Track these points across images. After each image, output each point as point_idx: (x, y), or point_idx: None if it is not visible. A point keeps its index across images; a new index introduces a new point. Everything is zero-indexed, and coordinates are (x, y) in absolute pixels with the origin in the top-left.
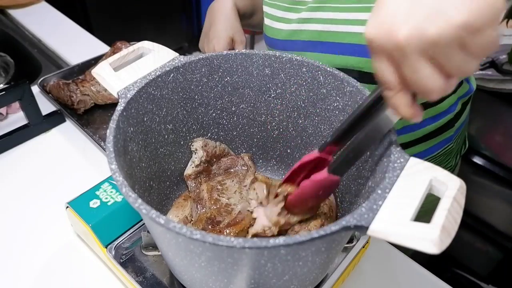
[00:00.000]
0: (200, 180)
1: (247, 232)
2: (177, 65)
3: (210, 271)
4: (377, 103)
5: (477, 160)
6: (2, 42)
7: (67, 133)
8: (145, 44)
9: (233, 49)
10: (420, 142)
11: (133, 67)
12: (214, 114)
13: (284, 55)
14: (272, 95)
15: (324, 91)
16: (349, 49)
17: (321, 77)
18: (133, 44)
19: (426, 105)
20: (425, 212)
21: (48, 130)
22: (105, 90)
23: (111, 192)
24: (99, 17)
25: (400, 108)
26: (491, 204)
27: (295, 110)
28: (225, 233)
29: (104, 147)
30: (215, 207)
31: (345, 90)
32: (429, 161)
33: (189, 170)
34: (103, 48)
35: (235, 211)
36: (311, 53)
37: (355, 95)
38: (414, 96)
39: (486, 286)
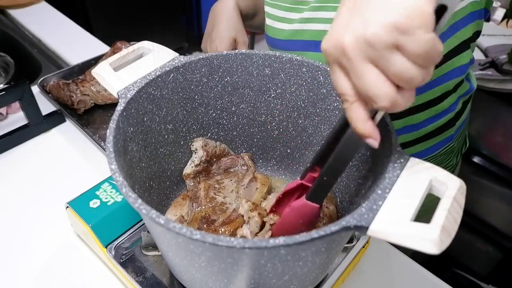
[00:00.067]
0: (198, 179)
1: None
2: (177, 65)
3: (210, 271)
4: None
5: (477, 160)
6: (2, 42)
7: (67, 133)
8: (145, 44)
9: (235, 49)
10: (421, 141)
11: (133, 67)
12: (214, 114)
13: (284, 55)
14: (272, 95)
15: (324, 91)
16: None
17: (321, 77)
18: (133, 44)
19: (427, 105)
20: (425, 211)
21: (48, 130)
22: (105, 90)
23: (111, 192)
24: (99, 17)
25: (354, 123)
26: (491, 204)
27: (295, 110)
28: (220, 231)
29: (104, 147)
30: (210, 206)
31: None
32: (430, 160)
33: (188, 169)
34: (103, 48)
35: (229, 209)
36: (313, 52)
37: None
38: (373, 115)
39: (486, 286)
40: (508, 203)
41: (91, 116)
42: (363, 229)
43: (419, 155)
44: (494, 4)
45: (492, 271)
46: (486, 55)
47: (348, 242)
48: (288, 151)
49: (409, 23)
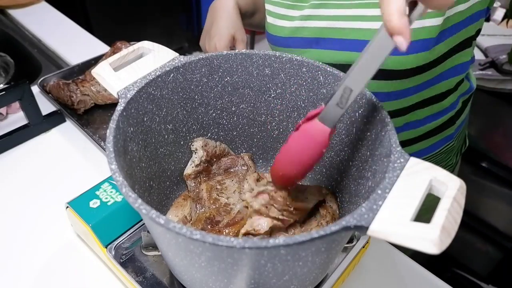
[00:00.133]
0: (199, 180)
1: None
2: (177, 65)
3: (210, 271)
4: None
5: (477, 160)
6: (2, 42)
7: (67, 133)
8: (145, 44)
9: (234, 47)
10: (422, 140)
11: (133, 67)
12: (214, 114)
13: (284, 55)
14: (272, 95)
15: (324, 91)
16: (353, 45)
17: (321, 77)
18: (133, 44)
19: (429, 102)
20: (425, 210)
21: (48, 130)
22: (105, 90)
23: (111, 192)
24: (99, 17)
25: (389, 15)
26: (491, 204)
27: (295, 110)
28: (224, 232)
29: (104, 147)
30: (214, 207)
31: None
32: (430, 159)
33: (189, 169)
34: (103, 48)
35: (234, 210)
36: (314, 49)
37: None
38: (409, 12)
39: (486, 286)
40: (508, 203)
41: (91, 116)
42: (363, 229)
43: (420, 154)
44: (494, 4)
45: (492, 271)
46: (486, 55)
47: (348, 242)
48: None
49: None
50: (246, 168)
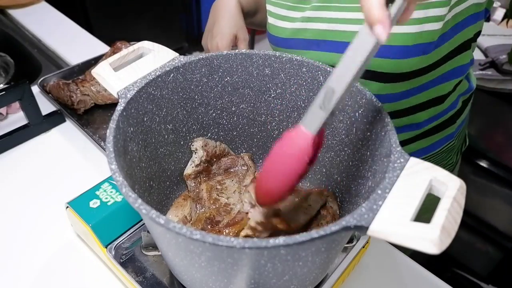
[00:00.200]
0: (199, 180)
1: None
2: (177, 65)
3: (210, 271)
4: None
5: (477, 160)
6: (2, 42)
7: (67, 133)
8: (145, 44)
9: (236, 46)
10: (422, 138)
11: (133, 67)
12: (214, 114)
13: (284, 55)
14: (272, 95)
15: None
16: None
17: (321, 77)
18: (133, 44)
19: (428, 105)
20: (425, 211)
21: (48, 130)
22: (105, 90)
23: (111, 192)
24: (99, 17)
25: (369, 6)
26: (491, 204)
27: (295, 110)
28: (224, 233)
29: (104, 147)
30: (214, 207)
31: None
32: (431, 158)
33: (189, 169)
34: (103, 48)
35: (234, 210)
36: (314, 51)
37: (355, 95)
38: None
39: (486, 286)
40: (508, 203)
41: (91, 116)
42: (363, 229)
43: (420, 153)
44: (494, 4)
45: (492, 271)
46: (486, 55)
47: (348, 242)
48: None
49: None
50: (246, 168)
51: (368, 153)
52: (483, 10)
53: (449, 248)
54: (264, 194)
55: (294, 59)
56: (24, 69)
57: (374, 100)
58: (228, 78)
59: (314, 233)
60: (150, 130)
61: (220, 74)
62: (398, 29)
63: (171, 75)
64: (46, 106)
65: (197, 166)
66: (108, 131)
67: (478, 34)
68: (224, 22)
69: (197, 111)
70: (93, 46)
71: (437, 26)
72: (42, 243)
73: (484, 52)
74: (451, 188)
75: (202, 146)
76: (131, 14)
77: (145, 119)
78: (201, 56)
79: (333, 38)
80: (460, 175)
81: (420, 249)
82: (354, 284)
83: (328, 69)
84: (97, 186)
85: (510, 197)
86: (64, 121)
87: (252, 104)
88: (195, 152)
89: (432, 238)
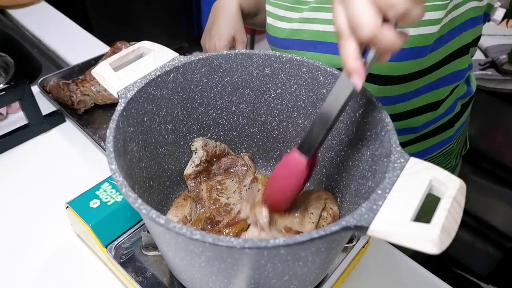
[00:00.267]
0: (199, 180)
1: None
2: (177, 65)
3: (210, 271)
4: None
5: (477, 160)
6: (2, 42)
7: (67, 133)
8: (145, 44)
9: (233, 48)
10: (420, 141)
11: (133, 67)
12: (214, 114)
13: (284, 55)
14: (272, 95)
15: (324, 91)
16: None
17: (321, 77)
18: (133, 44)
19: (425, 109)
20: (425, 211)
21: (48, 130)
22: (105, 90)
23: (111, 192)
24: (99, 17)
25: (344, 58)
26: (491, 204)
27: (295, 110)
28: (224, 233)
29: (104, 147)
30: (214, 207)
31: None
32: (429, 161)
33: (189, 169)
34: (103, 48)
35: (234, 210)
36: (311, 52)
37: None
38: (363, 53)
39: (486, 286)
40: (508, 203)
41: (91, 116)
42: (363, 229)
43: (418, 156)
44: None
45: (492, 271)
46: (486, 55)
47: (348, 242)
48: (288, 151)
49: None
50: (246, 168)
51: (368, 153)
52: (482, 15)
53: (449, 248)
54: (270, 204)
55: (294, 59)
56: (24, 69)
57: (374, 100)
58: (228, 78)
59: (314, 233)
60: (150, 130)
61: (220, 74)
62: None
63: (171, 75)
64: (46, 106)
65: (197, 166)
66: (108, 131)
67: (477, 39)
68: (223, 23)
69: (197, 111)
70: (93, 46)
71: (433, 29)
72: (42, 243)
73: (484, 52)
74: (451, 188)
75: (202, 146)
76: (131, 14)
77: (145, 119)
78: (201, 56)
79: (330, 39)
80: (460, 175)
81: (420, 249)
82: (354, 284)
83: (328, 69)
84: (97, 186)
85: (510, 197)
86: (64, 121)
87: (252, 104)
88: (195, 152)
89: (432, 238)
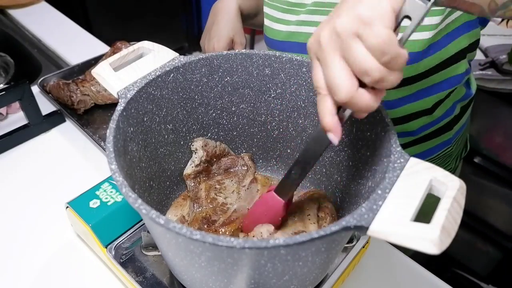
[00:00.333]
0: (199, 180)
1: (241, 231)
2: (177, 65)
3: (210, 271)
4: None
5: (477, 160)
6: (2, 42)
7: (67, 133)
8: (145, 44)
9: (232, 49)
10: (417, 144)
11: (133, 67)
12: (214, 114)
13: (284, 55)
14: (272, 95)
15: None
16: None
17: None
18: (133, 44)
19: (421, 114)
20: (425, 211)
21: (48, 130)
22: (105, 90)
23: (111, 192)
24: (99, 17)
25: (321, 114)
26: (491, 204)
27: (295, 110)
28: (220, 232)
29: (104, 147)
30: (211, 206)
31: None
32: None
33: (189, 169)
34: (103, 48)
35: (230, 210)
36: (308, 55)
37: None
38: (341, 112)
39: (486, 286)
40: (508, 203)
41: (91, 116)
42: (363, 229)
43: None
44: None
45: (492, 271)
46: (486, 55)
47: (348, 242)
48: (288, 151)
49: (370, 15)
50: (246, 168)
51: (368, 153)
52: (477, 19)
53: (449, 248)
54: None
55: (294, 59)
56: (24, 69)
57: None
58: (228, 78)
59: (314, 233)
60: (150, 130)
61: (220, 74)
62: None
63: (171, 75)
64: (46, 106)
65: (197, 166)
66: (108, 131)
67: (474, 44)
68: (222, 25)
69: (197, 111)
70: (93, 46)
71: (427, 35)
72: (42, 243)
73: (484, 52)
74: (451, 188)
75: (202, 146)
76: (131, 14)
77: (145, 119)
78: (201, 56)
79: None
80: (460, 175)
81: (420, 249)
82: (354, 284)
83: None
84: (97, 186)
85: (510, 197)
86: (64, 121)
87: (252, 104)
88: (195, 152)
89: (432, 238)
